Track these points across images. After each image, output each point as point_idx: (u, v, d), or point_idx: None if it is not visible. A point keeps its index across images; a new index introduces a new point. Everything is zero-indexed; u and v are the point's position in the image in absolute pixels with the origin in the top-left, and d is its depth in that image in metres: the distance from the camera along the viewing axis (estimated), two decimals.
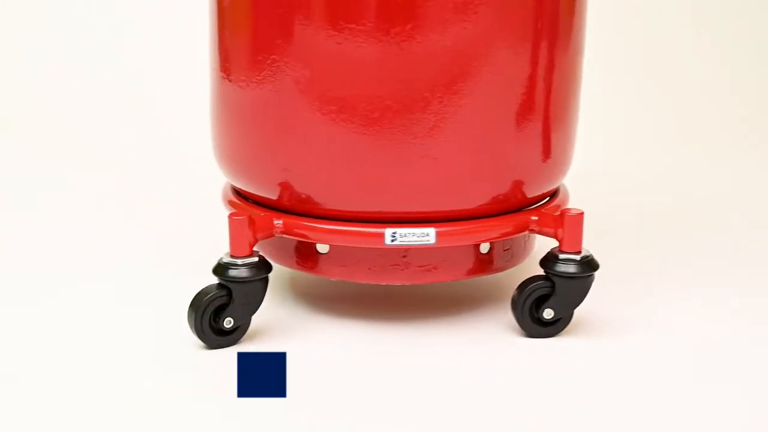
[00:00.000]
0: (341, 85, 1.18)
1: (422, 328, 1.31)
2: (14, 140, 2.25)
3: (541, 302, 1.25)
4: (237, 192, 1.37)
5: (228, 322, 1.23)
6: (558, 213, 1.26)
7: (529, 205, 1.31)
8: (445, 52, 1.17)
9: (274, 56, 1.20)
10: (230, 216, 1.23)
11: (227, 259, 1.22)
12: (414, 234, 1.22)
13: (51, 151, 2.19)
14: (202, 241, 1.63)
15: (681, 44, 2.58)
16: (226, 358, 1.21)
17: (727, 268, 1.56)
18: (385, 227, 1.22)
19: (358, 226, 1.23)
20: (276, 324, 1.31)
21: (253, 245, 1.23)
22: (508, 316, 1.31)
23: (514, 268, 1.35)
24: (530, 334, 1.26)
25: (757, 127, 2.44)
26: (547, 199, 1.35)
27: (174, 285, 1.43)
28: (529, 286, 1.24)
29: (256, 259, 1.23)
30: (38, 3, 2.50)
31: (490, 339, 1.27)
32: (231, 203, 1.35)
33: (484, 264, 1.29)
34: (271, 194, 1.27)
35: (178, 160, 2.14)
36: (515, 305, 1.26)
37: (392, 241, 1.22)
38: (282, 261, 1.31)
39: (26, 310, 1.37)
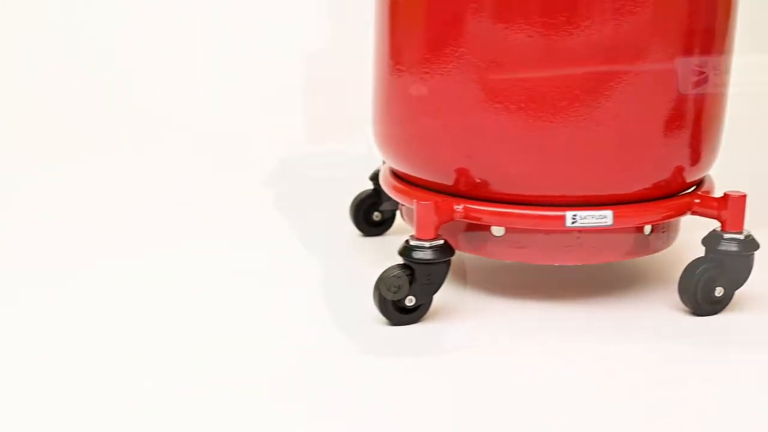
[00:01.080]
0: (531, 75, 1.25)
1: (588, 308, 1.37)
2: (14, 140, 2.23)
3: (709, 282, 1.32)
4: (396, 176, 1.43)
5: (410, 301, 1.29)
6: (721, 195, 1.34)
7: (683, 190, 1.38)
8: (630, 44, 1.24)
9: (462, 49, 1.27)
10: (418, 201, 1.28)
11: (414, 242, 1.28)
12: (593, 216, 1.29)
13: (51, 151, 2.18)
14: (206, 238, 1.67)
15: None
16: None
17: None
18: (564, 210, 1.29)
19: (539, 210, 1.30)
20: (450, 305, 1.37)
21: (438, 229, 1.29)
22: (663, 295, 1.39)
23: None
24: (700, 312, 1.33)
25: (757, 127, 2.50)
26: (696, 185, 1.42)
27: (175, 283, 1.46)
28: (701, 268, 1.31)
29: (441, 241, 1.29)
30: (38, 3, 2.50)
31: (654, 317, 1.34)
32: (396, 189, 1.41)
33: (644, 245, 1.37)
34: (447, 180, 1.33)
35: (177, 160, 2.17)
36: (685, 287, 1.32)
37: (572, 223, 1.29)
38: (452, 245, 1.37)
39: (19, 309, 1.35)
